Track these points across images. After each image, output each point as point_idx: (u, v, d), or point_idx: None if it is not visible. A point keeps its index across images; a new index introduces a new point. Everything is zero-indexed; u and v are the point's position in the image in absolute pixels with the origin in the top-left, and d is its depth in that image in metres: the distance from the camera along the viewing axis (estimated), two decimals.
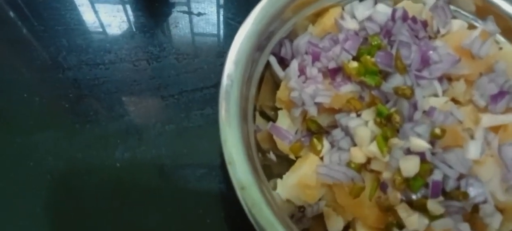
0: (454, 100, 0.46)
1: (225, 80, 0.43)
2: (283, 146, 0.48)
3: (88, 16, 0.65)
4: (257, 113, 0.49)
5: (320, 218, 0.46)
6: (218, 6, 0.68)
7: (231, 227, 0.51)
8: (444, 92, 0.46)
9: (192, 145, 0.56)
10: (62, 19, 0.64)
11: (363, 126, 0.42)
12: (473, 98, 0.46)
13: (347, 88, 0.44)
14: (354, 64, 0.45)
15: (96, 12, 0.66)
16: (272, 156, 0.48)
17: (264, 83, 0.50)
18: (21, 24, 0.63)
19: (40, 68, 0.60)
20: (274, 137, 0.48)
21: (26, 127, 0.55)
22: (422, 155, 0.40)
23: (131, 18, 0.66)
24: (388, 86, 0.43)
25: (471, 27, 0.51)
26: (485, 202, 0.40)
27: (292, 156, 0.48)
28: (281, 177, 0.46)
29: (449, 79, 0.46)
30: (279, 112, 0.50)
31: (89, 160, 0.54)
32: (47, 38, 0.62)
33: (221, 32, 0.66)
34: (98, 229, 0.50)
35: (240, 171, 0.39)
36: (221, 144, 0.40)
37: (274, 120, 0.50)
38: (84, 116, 0.57)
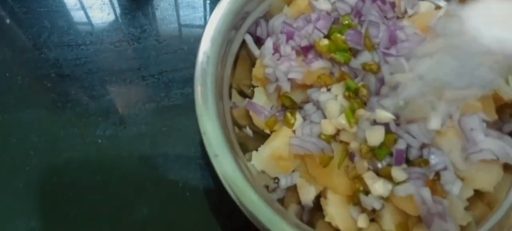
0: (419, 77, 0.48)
1: (201, 57, 0.44)
2: (259, 120, 0.50)
3: None
4: (234, 91, 0.51)
5: (294, 189, 0.48)
6: None
7: (209, 199, 0.53)
8: (410, 69, 0.48)
9: (172, 122, 0.57)
10: (44, 0, 0.65)
11: (332, 100, 0.45)
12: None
13: (318, 65, 0.47)
14: (325, 42, 0.47)
15: None
16: (248, 131, 0.50)
17: (240, 62, 0.52)
18: (3, 6, 0.64)
19: (22, 49, 0.61)
20: (250, 113, 0.50)
21: (9, 106, 0.57)
22: (386, 126, 0.43)
23: (113, 0, 0.67)
24: (357, 62, 0.46)
25: (438, 8, 0.53)
26: (445, 169, 0.43)
27: (267, 131, 0.50)
28: (257, 151, 0.48)
29: (416, 57, 0.49)
30: (255, 89, 0.52)
31: (71, 138, 0.55)
32: (29, 19, 0.63)
33: (201, 14, 0.67)
34: (80, 203, 0.52)
35: (214, 140, 0.40)
36: (197, 117, 0.42)
37: (250, 97, 0.52)
38: (65, 95, 0.58)
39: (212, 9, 0.65)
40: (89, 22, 0.64)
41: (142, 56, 0.62)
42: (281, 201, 0.48)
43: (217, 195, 0.53)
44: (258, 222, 0.39)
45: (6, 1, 0.64)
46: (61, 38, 0.62)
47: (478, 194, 0.46)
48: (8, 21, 0.63)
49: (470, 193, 0.46)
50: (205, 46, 0.45)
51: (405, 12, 0.52)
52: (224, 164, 0.40)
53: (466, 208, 0.46)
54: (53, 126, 0.56)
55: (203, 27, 0.64)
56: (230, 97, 0.49)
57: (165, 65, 0.61)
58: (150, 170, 0.55)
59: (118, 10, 0.66)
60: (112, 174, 0.54)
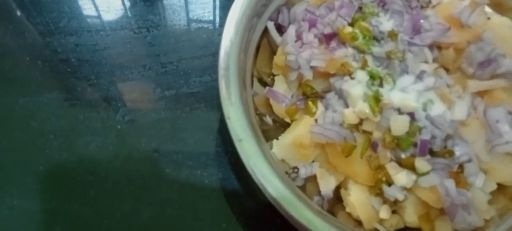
0: (444, 68, 0.48)
1: (225, 43, 0.44)
2: (279, 109, 0.49)
3: None
4: (255, 80, 0.51)
5: (313, 180, 0.48)
6: None
7: (228, 187, 0.53)
8: (434, 59, 0.48)
9: (191, 109, 0.57)
10: None
11: (356, 88, 0.44)
12: (461, 66, 0.47)
13: (342, 53, 0.46)
14: (349, 29, 0.47)
15: None
16: (268, 119, 0.50)
17: (261, 50, 0.52)
18: None
19: (42, 33, 0.61)
20: (271, 101, 0.50)
21: (29, 90, 0.57)
22: (411, 115, 0.42)
23: None
24: (381, 50, 0.45)
25: None
26: (469, 161, 0.42)
27: (287, 120, 0.50)
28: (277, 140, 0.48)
29: (439, 47, 0.48)
30: (276, 77, 0.52)
31: (91, 121, 0.56)
32: (49, 4, 0.64)
33: (220, 2, 0.67)
34: (100, 185, 0.52)
35: (238, 125, 0.40)
36: (221, 102, 0.42)
37: (271, 86, 0.52)
38: (85, 79, 0.58)
39: None
40: (109, 9, 0.64)
41: (161, 43, 0.62)
42: (301, 188, 0.48)
43: (235, 182, 0.53)
44: (281, 207, 0.39)
45: None
46: (81, 24, 0.62)
47: (501, 188, 0.46)
48: (28, 6, 0.63)
49: (493, 186, 0.45)
50: (229, 33, 0.45)
51: (429, 1, 0.51)
52: (248, 148, 0.40)
53: (488, 202, 0.46)
54: (74, 110, 0.56)
55: (222, 15, 0.65)
56: (252, 85, 0.49)
57: (184, 53, 0.61)
58: (169, 154, 0.55)
59: None
60: (132, 157, 0.54)
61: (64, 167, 0.53)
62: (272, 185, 0.39)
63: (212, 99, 0.58)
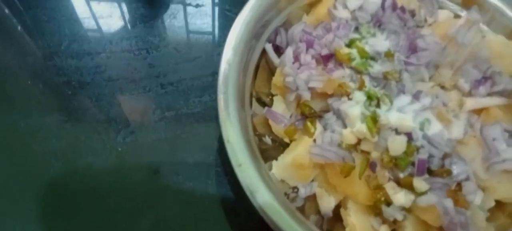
0: (440, 86, 0.49)
1: (223, 65, 0.45)
2: (278, 129, 0.50)
3: (90, 7, 0.67)
4: (254, 100, 0.51)
5: (313, 199, 0.48)
6: None
7: (228, 209, 0.53)
8: (430, 78, 0.48)
9: (191, 130, 0.58)
10: (65, 9, 0.66)
11: (353, 108, 0.45)
12: (457, 84, 0.48)
13: (339, 73, 0.47)
14: (346, 50, 0.47)
15: (98, 2, 0.68)
16: (267, 140, 0.51)
17: (260, 70, 0.52)
18: (25, 14, 0.65)
19: (43, 56, 0.62)
20: (270, 121, 0.50)
21: (31, 111, 0.57)
22: (408, 135, 0.43)
23: (132, 9, 0.68)
24: (378, 71, 0.46)
25: (457, 17, 0.53)
26: (467, 179, 0.43)
27: (286, 140, 0.50)
28: (276, 160, 0.48)
29: (436, 66, 0.49)
30: (275, 98, 0.52)
31: (91, 143, 0.56)
32: (50, 27, 0.64)
33: (218, 23, 0.68)
34: (100, 207, 0.52)
35: (237, 149, 0.41)
36: (220, 124, 0.42)
37: (269, 106, 0.52)
38: (86, 102, 0.59)
39: (228, 17, 0.67)
40: (109, 31, 0.65)
41: (161, 64, 0.62)
42: (300, 209, 0.48)
43: (234, 202, 0.54)
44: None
45: (28, 9, 0.66)
46: (81, 47, 0.63)
47: (499, 205, 0.46)
48: (29, 29, 0.64)
49: (491, 203, 0.45)
50: (228, 55, 0.45)
51: (425, 20, 0.52)
52: (248, 173, 0.40)
53: (487, 219, 0.46)
54: (74, 132, 0.57)
55: (220, 35, 0.66)
56: (251, 105, 0.50)
57: (183, 73, 0.62)
58: (169, 176, 0.55)
59: (136, 19, 0.67)
60: (132, 179, 0.54)
61: (66, 188, 0.53)
62: (272, 210, 0.39)
63: (211, 119, 0.58)
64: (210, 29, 0.67)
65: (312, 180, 0.48)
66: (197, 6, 0.69)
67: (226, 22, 0.68)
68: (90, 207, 0.52)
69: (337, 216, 0.48)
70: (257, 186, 0.40)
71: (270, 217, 0.39)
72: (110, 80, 0.61)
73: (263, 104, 0.53)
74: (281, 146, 0.50)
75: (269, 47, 0.51)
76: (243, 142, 0.41)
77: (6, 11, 0.66)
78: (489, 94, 0.47)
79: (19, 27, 0.65)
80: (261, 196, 0.39)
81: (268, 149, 0.50)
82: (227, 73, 0.44)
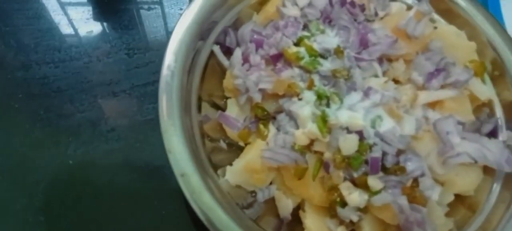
0: (395, 80, 0.47)
1: (165, 71, 0.43)
2: (232, 133, 0.48)
3: (36, 16, 0.64)
4: (206, 104, 0.50)
5: (272, 202, 0.47)
6: (169, 0, 0.68)
7: (186, 217, 0.52)
8: (384, 72, 0.47)
9: (145, 138, 0.56)
10: (9, 19, 0.63)
11: (304, 109, 0.43)
12: (411, 77, 0.47)
13: (288, 73, 0.45)
14: (294, 49, 0.46)
15: (44, 11, 0.65)
16: (222, 144, 0.49)
17: (211, 72, 0.51)
18: None
19: None
20: (223, 125, 0.49)
21: None
22: (360, 133, 0.42)
23: (80, 15, 0.65)
24: (327, 69, 0.44)
25: (410, 9, 0.52)
26: (423, 175, 0.42)
27: (241, 143, 0.49)
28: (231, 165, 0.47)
29: (389, 60, 0.48)
30: (228, 101, 0.51)
31: (41, 158, 0.53)
32: None
33: (173, 25, 0.65)
34: (51, 226, 0.50)
35: (180, 158, 0.39)
36: (162, 134, 0.41)
37: (223, 109, 0.51)
38: (34, 114, 0.56)
39: None
40: (56, 39, 0.62)
41: (112, 70, 0.60)
42: (256, 220, 0.46)
43: (192, 214, 0.52)
44: None
45: None
46: (28, 57, 0.60)
47: (459, 198, 0.46)
48: None
49: (451, 197, 0.45)
50: (169, 60, 0.44)
51: (376, 14, 0.51)
52: (191, 182, 0.38)
53: (447, 214, 0.45)
54: (22, 147, 0.54)
55: None
56: (199, 110, 0.48)
57: (136, 79, 0.60)
58: (124, 187, 0.53)
59: (86, 26, 0.64)
60: (85, 193, 0.52)
61: (14, 207, 0.50)
62: (217, 219, 0.37)
63: None
64: (163, 32, 0.65)
65: (271, 183, 0.46)
66: (149, 9, 0.66)
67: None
68: (42, 226, 0.50)
69: (297, 218, 0.46)
70: (201, 195, 0.38)
71: (216, 226, 0.37)
72: (59, 91, 0.58)
73: (217, 107, 0.51)
74: (237, 150, 0.49)
75: (217, 49, 0.50)
76: (186, 151, 0.40)
77: None
78: (443, 86, 0.46)
79: None
80: (205, 205, 0.38)
81: (224, 153, 0.49)
82: (169, 80, 0.42)
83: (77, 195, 0.52)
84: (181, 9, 0.67)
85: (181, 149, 0.40)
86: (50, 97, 0.58)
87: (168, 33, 0.65)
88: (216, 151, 0.48)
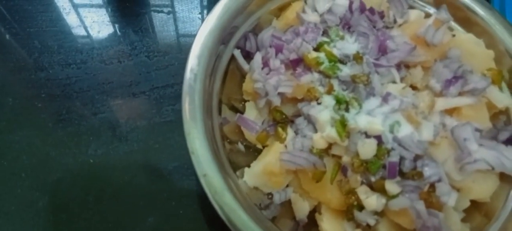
0: (412, 86, 0.48)
1: (188, 74, 0.44)
2: (250, 136, 0.49)
3: (59, 18, 0.66)
4: (225, 106, 0.51)
5: (288, 204, 0.47)
6: (189, 4, 0.70)
7: (202, 217, 0.53)
8: (402, 79, 0.48)
9: (164, 139, 0.57)
10: (33, 21, 0.65)
11: (323, 113, 0.44)
12: (429, 84, 0.48)
13: (307, 78, 0.46)
14: (314, 55, 0.47)
15: (67, 13, 0.67)
16: (240, 146, 0.50)
17: (231, 76, 0.52)
18: None
19: (12, 69, 0.61)
20: (242, 128, 0.50)
21: (0, 127, 0.56)
22: (379, 138, 0.42)
23: (102, 18, 0.67)
24: (346, 74, 0.45)
25: (428, 16, 0.53)
26: (440, 181, 0.42)
27: (259, 146, 0.49)
28: (249, 167, 0.47)
29: (407, 66, 0.48)
30: (247, 104, 0.52)
31: (62, 157, 0.55)
32: (19, 40, 0.63)
33: (192, 29, 0.67)
34: (73, 224, 0.51)
35: (203, 159, 0.40)
36: (185, 135, 0.41)
37: (242, 112, 0.52)
38: (56, 114, 0.58)
39: (201, 24, 0.66)
40: (79, 41, 0.64)
41: (132, 73, 0.61)
42: (274, 219, 0.47)
43: (211, 211, 0.52)
44: None
45: None
46: (52, 58, 0.62)
47: (475, 205, 0.46)
48: None
49: (467, 204, 0.45)
50: (192, 63, 0.44)
51: (395, 21, 0.51)
52: (213, 183, 0.39)
53: (463, 220, 0.45)
54: (45, 147, 0.55)
55: (193, 41, 0.65)
56: (220, 112, 0.49)
57: (156, 82, 0.61)
58: (143, 187, 0.54)
59: (108, 28, 0.66)
60: (105, 193, 0.53)
61: (36, 206, 0.52)
62: (238, 219, 0.38)
63: None
64: (182, 36, 0.66)
65: (287, 186, 0.47)
66: (169, 12, 0.68)
67: (198, 29, 0.67)
68: (63, 224, 0.51)
69: (313, 221, 0.47)
70: (223, 196, 0.39)
71: (237, 226, 0.38)
72: (81, 92, 0.59)
73: (235, 110, 0.52)
74: (255, 152, 0.50)
75: (237, 53, 0.51)
76: (208, 152, 0.40)
77: None
78: (460, 93, 0.46)
79: None
80: (227, 206, 0.38)
81: (242, 155, 0.49)
82: (192, 83, 0.43)
83: (97, 194, 0.53)
84: (199, 14, 0.68)
85: (204, 150, 0.40)
86: (72, 98, 0.59)
87: (187, 37, 0.66)
88: (233, 153, 0.49)
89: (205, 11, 0.69)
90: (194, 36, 0.65)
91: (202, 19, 0.68)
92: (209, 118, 0.44)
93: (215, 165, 0.40)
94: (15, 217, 0.51)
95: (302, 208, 0.46)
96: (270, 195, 0.47)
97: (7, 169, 0.54)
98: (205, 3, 0.70)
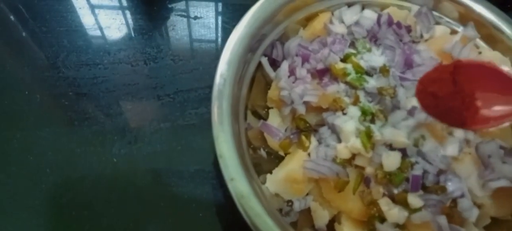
0: None
1: (218, 79, 0.45)
2: (273, 142, 0.50)
3: (88, 19, 0.68)
4: (249, 112, 0.51)
5: (307, 213, 0.48)
6: (214, 10, 0.71)
7: (222, 219, 0.53)
8: None
9: (186, 142, 0.58)
10: (64, 21, 0.67)
11: (348, 123, 0.45)
12: None
13: (334, 88, 0.47)
14: (341, 65, 0.47)
15: (96, 14, 0.68)
16: (262, 152, 0.50)
17: (256, 83, 0.52)
18: (24, 26, 0.66)
19: (41, 67, 0.62)
20: (265, 134, 0.50)
21: (27, 123, 0.57)
22: (403, 151, 0.43)
23: (130, 21, 0.68)
24: (373, 86, 0.46)
25: (454, 32, 0.53)
26: (462, 196, 0.42)
27: (281, 153, 0.50)
28: (271, 173, 0.48)
29: None
30: (270, 111, 0.52)
31: (87, 155, 0.56)
32: (49, 39, 0.65)
33: (216, 35, 0.68)
34: (95, 221, 0.52)
35: (230, 164, 0.41)
36: (214, 139, 0.42)
37: (265, 118, 0.52)
38: (82, 113, 0.59)
39: (226, 30, 0.67)
40: (107, 42, 0.65)
41: (158, 75, 0.62)
42: (294, 224, 0.47)
43: (230, 215, 0.53)
44: None
45: (27, 20, 0.66)
46: (80, 58, 0.63)
47: (496, 222, 0.46)
48: (28, 40, 0.64)
49: (487, 220, 0.45)
50: (222, 69, 0.45)
51: (421, 36, 0.52)
52: (240, 187, 0.40)
53: None
54: (70, 144, 0.56)
55: (218, 47, 0.66)
56: (246, 118, 0.50)
57: (180, 85, 0.62)
58: (164, 188, 0.55)
59: (135, 30, 0.67)
60: (127, 192, 0.54)
61: (60, 202, 0.53)
62: (264, 224, 0.39)
63: (207, 131, 0.57)
64: (208, 42, 0.67)
65: (307, 194, 0.47)
66: (195, 18, 0.69)
67: (224, 35, 0.68)
68: (84, 222, 0.52)
69: (332, 230, 0.47)
70: (249, 200, 0.39)
71: None
72: (107, 92, 0.61)
73: (258, 117, 0.53)
74: (276, 159, 0.50)
75: (265, 61, 0.51)
76: (235, 156, 0.41)
77: (6, 22, 0.66)
78: None
79: (17, 39, 0.65)
80: (252, 210, 0.39)
81: (264, 162, 0.50)
82: (221, 88, 0.44)
83: (120, 193, 0.54)
84: (225, 21, 0.69)
85: (231, 155, 0.41)
86: (98, 98, 0.60)
87: (212, 43, 0.67)
88: (255, 159, 0.49)
89: (230, 19, 0.70)
90: (218, 43, 0.67)
91: (227, 27, 0.69)
92: (236, 123, 0.45)
93: (242, 170, 0.41)
94: (38, 211, 0.52)
95: (321, 217, 0.47)
96: (290, 202, 0.48)
97: (33, 164, 0.55)
98: (230, 10, 0.71)
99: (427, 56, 0.48)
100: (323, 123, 0.48)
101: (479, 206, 0.44)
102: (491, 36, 0.53)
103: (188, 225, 0.53)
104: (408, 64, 0.48)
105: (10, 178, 0.54)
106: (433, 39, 0.52)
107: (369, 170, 0.44)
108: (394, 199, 0.43)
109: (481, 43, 0.54)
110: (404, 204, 0.42)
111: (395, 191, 0.43)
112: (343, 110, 0.46)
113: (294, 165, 0.46)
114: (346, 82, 0.47)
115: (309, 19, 0.55)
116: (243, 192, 0.39)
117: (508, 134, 0.47)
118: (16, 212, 0.52)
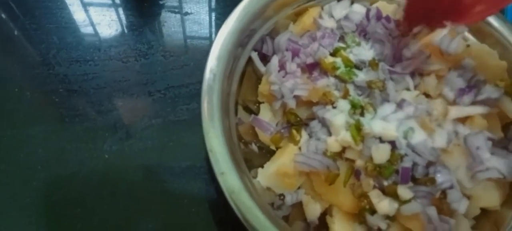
0: (426, 94, 0.49)
1: (207, 74, 0.45)
2: (264, 137, 0.50)
3: (78, 15, 0.67)
4: (240, 107, 0.52)
5: (299, 206, 0.48)
6: (206, 6, 0.71)
7: (214, 214, 0.53)
8: (416, 86, 0.48)
9: (178, 138, 0.58)
10: (54, 17, 0.66)
11: (338, 117, 0.45)
12: (442, 92, 0.48)
13: (323, 82, 0.47)
14: (331, 59, 0.47)
15: (86, 11, 0.68)
16: (254, 147, 0.51)
17: (247, 78, 0.53)
18: (13, 22, 0.65)
19: (31, 64, 0.62)
20: (256, 129, 0.50)
21: (17, 121, 0.57)
22: (393, 144, 0.43)
23: (121, 17, 0.68)
24: (362, 80, 0.46)
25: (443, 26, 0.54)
26: (451, 188, 0.43)
27: (273, 147, 0.50)
28: (262, 167, 0.48)
29: (421, 74, 0.49)
30: (261, 105, 0.52)
31: (78, 152, 0.55)
32: (39, 35, 0.64)
33: (207, 31, 0.68)
34: (87, 218, 0.52)
35: (220, 158, 0.41)
36: (204, 134, 0.42)
37: (256, 113, 0.53)
38: (73, 110, 0.58)
39: (218, 25, 0.67)
40: (98, 38, 0.65)
41: (149, 71, 0.62)
42: (286, 218, 0.48)
43: (222, 210, 0.53)
44: None
45: (17, 17, 0.66)
46: (70, 54, 0.63)
47: (485, 213, 0.46)
48: (18, 37, 0.64)
49: (477, 211, 0.46)
50: (212, 64, 0.45)
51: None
52: (230, 181, 0.40)
53: (473, 227, 0.46)
54: (61, 141, 0.56)
55: (209, 43, 0.66)
56: (236, 113, 0.50)
57: (171, 81, 0.62)
58: (156, 184, 0.55)
59: (126, 27, 0.67)
60: (119, 188, 0.54)
61: (51, 199, 0.53)
62: (254, 218, 0.39)
63: (199, 127, 0.57)
64: (199, 37, 0.67)
65: (299, 188, 0.48)
66: (186, 14, 0.69)
67: (215, 30, 0.68)
68: (75, 219, 0.52)
69: (323, 223, 0.48)
70: (240, 195, 0.40)
71: (253, 225, 0.39)
72: (98, 88, 0.60)
73: (250, 111, 0.53)
74: (267, 153, 0.51)
75: (255, 56, 0.52)
76: (226, 151, 0.41)
77: None
78: (473, 103, 0.47)
79: (7, 36, 0.64)
80: (244, 204, 0.39)
81: (255, 156, 0.50)
82: (211, 83, 0.44)
83: (112, 190, 0.54)
84: (217, 17, 0.69)
85: (221, 149, 0.41)
86: (89, 94, 0.60)
87: (203, 39, 0.67)
88: (247, 153, 0.49)
89: (221, 15, 0.70)
90: (209, 38, 0.67)
91: (218, 22, 0.69)
92: (226, 118, 0.45)
93: (232, 164, 0.41)
94: (30, 209, 0.52)
95: (313, 210, 0.47)
96: (281, 196, 0.48)
97: (23, 162, 0.55)
98: (221, 6, 0.71)
99: (416, 50, 0.48)
100: (313, 116, 0.48)
101: (468, 197, 0.45)
102: (480, 30, 0.54)
103: (181, 221, 0.53)
104: (397, 58, 0.48)
105: (1, 176, 0.53)
106: (422, 33, 0.52)
107: (359, 163, 0.44)
108: (384, 191, 0.44)
109: (470, 36, 0.54)
110: (394, 196, 0.43)
111: (385, 183, 0.43)
112: (333, 104, 0.46)
113: (285, 159, 0.46)
114: (336, 76, 0.47)
115: (298, 14, 0.55)
116: (233, 186, 0.40)
117: (496, 126, 0.47)
118: (7, 210, 0.52)
